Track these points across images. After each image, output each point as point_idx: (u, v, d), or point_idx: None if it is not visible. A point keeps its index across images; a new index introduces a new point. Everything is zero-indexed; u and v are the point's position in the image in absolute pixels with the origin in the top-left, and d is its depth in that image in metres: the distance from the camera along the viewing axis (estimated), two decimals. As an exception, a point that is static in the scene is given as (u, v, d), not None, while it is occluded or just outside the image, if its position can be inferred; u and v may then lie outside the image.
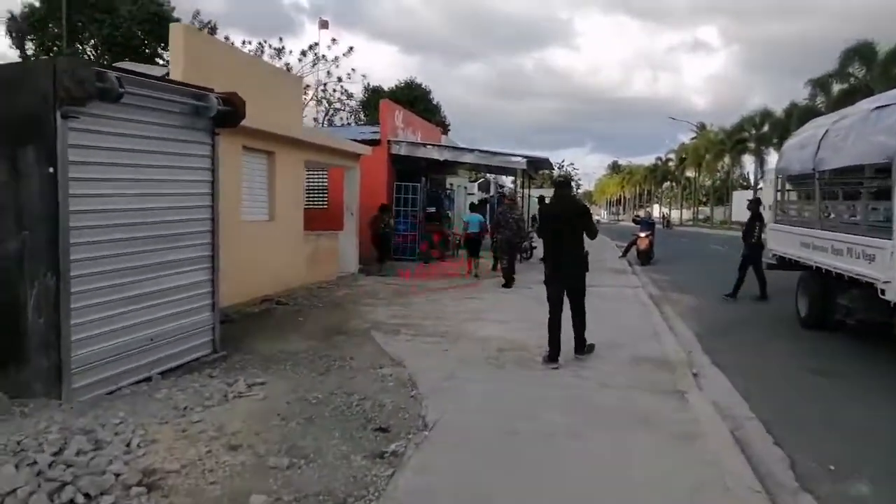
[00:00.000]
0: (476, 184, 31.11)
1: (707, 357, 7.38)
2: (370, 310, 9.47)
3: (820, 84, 32.39)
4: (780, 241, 10.29)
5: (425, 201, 18.07)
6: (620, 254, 20.79)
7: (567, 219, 6.58)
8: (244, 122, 6.71)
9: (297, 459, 3.92)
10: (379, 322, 8.53)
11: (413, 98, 30.62)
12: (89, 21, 28.45)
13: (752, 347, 8.06)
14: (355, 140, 14.66)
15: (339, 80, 34.32)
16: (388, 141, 16.37)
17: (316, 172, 16.71)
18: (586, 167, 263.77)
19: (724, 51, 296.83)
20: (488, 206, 19.20)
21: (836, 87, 31.17)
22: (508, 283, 12.07)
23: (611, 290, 11.96)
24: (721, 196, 67.95)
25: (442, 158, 16.32)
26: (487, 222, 15.46)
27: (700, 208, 71.86)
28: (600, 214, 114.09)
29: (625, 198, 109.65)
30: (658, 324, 8.98)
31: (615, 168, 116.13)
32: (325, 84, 34.74)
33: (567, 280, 6.52)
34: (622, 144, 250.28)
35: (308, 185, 16.98)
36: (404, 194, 16.81)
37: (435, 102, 34.99)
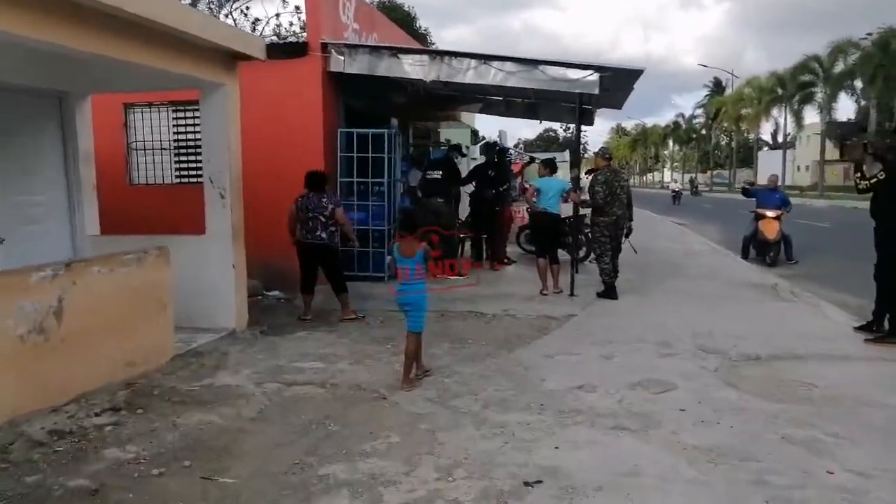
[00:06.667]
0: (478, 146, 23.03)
1: None
2: None
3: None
4: None
5: (401, 165, 9.97)
6: (741, 253, 11.88)
7: None
8: None
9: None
10: None
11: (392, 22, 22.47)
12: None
13: None
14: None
15: (297, 9, 25.91)
16: (324, 45, 8.21)
17: (186, 111, 8.64)
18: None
19: (716, 8, 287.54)
20: (489, 169, 10.64)
21: None
22: (612, 292, 7.71)
23: (821, 372, 4.13)
24: (745, 158, 59.58)
25: (429, 78, 8.20)
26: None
27: (715, 171, 64.30)
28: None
29: (629, 162, 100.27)
30: None
31: (620, 131, 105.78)
32: (277, 15, 26.45)
33: None
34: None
35: (177, 139, 8.95)
36: (360, 152, 8.72)
37: (423, 30, 26.22)
